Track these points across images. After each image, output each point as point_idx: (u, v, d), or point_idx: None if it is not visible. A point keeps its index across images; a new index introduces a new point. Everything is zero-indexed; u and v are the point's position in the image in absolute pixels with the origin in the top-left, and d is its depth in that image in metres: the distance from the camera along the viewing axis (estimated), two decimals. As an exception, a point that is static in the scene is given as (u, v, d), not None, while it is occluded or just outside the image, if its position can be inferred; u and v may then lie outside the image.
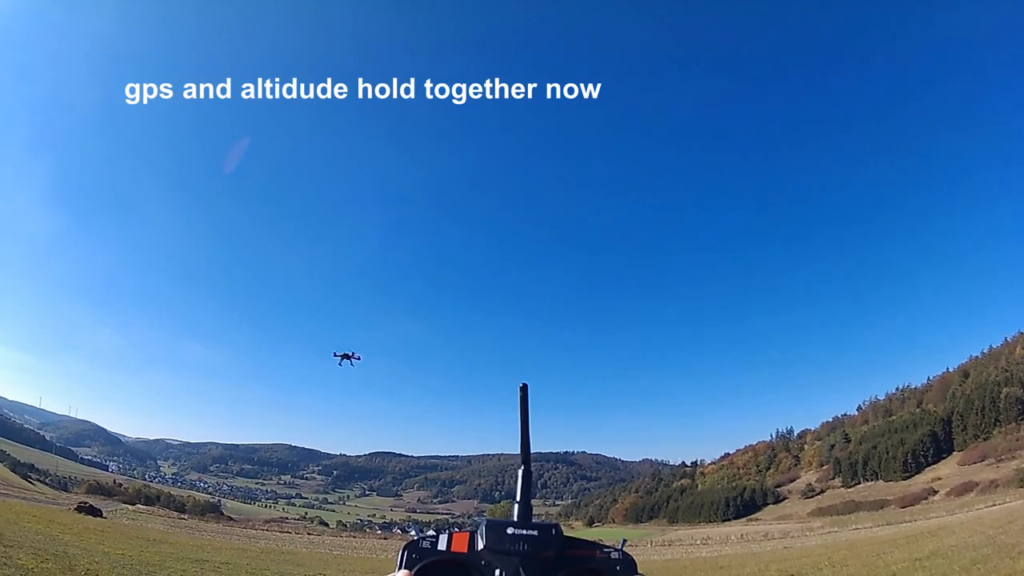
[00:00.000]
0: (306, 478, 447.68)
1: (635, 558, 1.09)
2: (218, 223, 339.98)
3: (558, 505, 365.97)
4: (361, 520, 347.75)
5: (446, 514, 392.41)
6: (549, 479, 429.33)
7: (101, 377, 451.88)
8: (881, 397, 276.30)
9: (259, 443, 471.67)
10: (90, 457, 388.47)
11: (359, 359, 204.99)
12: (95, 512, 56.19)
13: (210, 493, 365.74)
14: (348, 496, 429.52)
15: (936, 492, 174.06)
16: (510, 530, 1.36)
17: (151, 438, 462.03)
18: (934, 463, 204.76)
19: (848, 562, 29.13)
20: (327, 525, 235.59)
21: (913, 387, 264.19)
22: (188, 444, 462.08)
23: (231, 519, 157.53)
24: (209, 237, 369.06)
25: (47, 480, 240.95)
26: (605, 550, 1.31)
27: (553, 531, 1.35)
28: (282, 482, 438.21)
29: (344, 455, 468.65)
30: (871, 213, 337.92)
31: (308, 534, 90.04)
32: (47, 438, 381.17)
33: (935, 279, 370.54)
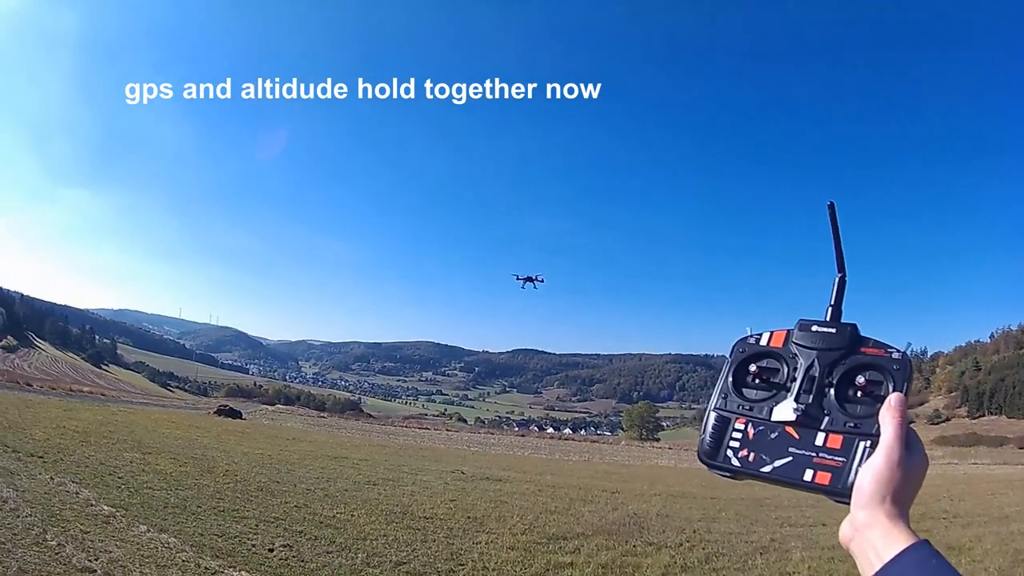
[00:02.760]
0: (447, 375, 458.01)
1: None
2: (357, 122, 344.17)
3: (694, 408, 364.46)
4: (499, 416, 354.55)
5: (583, 412, 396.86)
6: (688, 382, 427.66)
7: (242, 282, 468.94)
8: (1014, 327, 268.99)
9: (402, 341, 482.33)
10: (231, 362, 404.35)
11: (542, 281, 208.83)
12: (234, 414, 58.08)
13: (350, 391, 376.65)
14: (488, 393, 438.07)
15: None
16: (815, 327, 1.51)
17: (293, 340, 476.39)
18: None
19: (965, 497, 28.16)
20: (465, 421, 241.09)
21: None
22: (330, 344, 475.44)
23: (371, 416, 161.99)
24: (348, 135, 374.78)
25: (187, 387, 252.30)
26: (889, 350, 1.41)
27: (848, 329, 1.48)
28: (423, 379, 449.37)
29: (487, 352, 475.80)
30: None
31: (447, 430, 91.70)
32: (187, 347, 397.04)
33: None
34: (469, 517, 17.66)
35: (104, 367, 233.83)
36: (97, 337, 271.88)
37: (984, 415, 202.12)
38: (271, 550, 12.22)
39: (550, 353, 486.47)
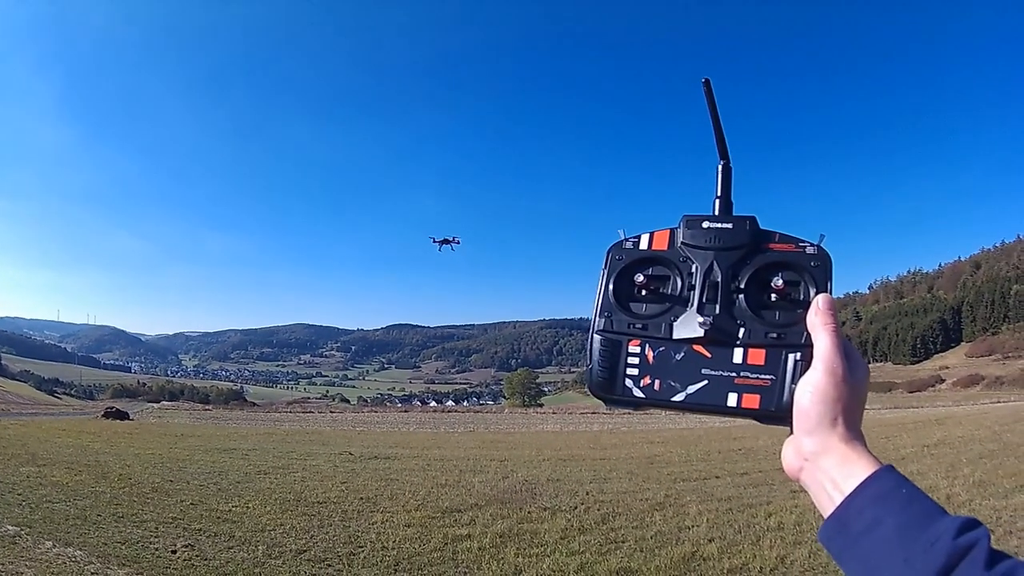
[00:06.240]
0: (325, 356, 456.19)
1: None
2: (229, 116, 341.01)
3: (573, 372, 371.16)
4: (381, 394, 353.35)
5: (464, 384, 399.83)
6: (565, 346, 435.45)
7: (116, 281, 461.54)
8: (892, 278, 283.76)
9: (277, 325, 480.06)
10: (112, 361, 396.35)
11: (458, 243, 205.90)
12: (122, 415, 56.65)
13: (232, 381, 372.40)
14: (367, 371, 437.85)
15: (943, 381, 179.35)
16: (706, 224, 1.36)
17: (170, 333, 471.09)
18: (942, 351, 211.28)
19: (862, 443, 29.85)
20: (348, 402, 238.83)
21: (924, 271, 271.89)
22: (207, 334, 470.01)
23: (254, 405, 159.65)
24: (217, 129, 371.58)
25: (73, 392, 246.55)
26: (801, 244, 1.31)
27: (747, 224, 1.35)
28: (302, 362, 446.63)
29: (362, 330, 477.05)
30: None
31: (331, 412, 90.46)
32: (68, 349, 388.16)
33: (957, 164, 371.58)
34: (362, 498, 17.93)
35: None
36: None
37: (869, 362, 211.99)
38: (174, 551, 12.33)
39: (425, 327, 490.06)
